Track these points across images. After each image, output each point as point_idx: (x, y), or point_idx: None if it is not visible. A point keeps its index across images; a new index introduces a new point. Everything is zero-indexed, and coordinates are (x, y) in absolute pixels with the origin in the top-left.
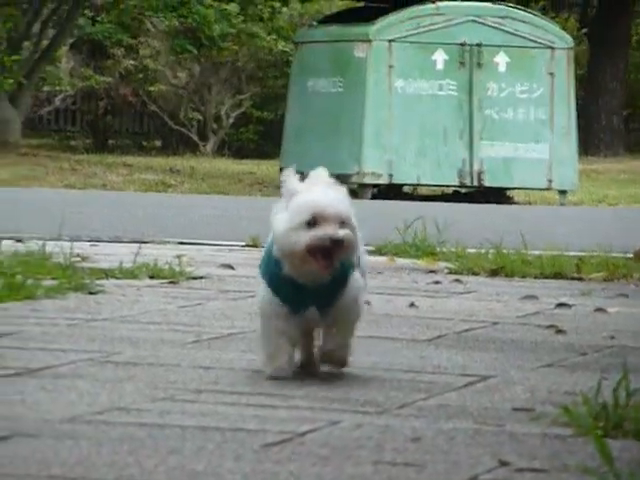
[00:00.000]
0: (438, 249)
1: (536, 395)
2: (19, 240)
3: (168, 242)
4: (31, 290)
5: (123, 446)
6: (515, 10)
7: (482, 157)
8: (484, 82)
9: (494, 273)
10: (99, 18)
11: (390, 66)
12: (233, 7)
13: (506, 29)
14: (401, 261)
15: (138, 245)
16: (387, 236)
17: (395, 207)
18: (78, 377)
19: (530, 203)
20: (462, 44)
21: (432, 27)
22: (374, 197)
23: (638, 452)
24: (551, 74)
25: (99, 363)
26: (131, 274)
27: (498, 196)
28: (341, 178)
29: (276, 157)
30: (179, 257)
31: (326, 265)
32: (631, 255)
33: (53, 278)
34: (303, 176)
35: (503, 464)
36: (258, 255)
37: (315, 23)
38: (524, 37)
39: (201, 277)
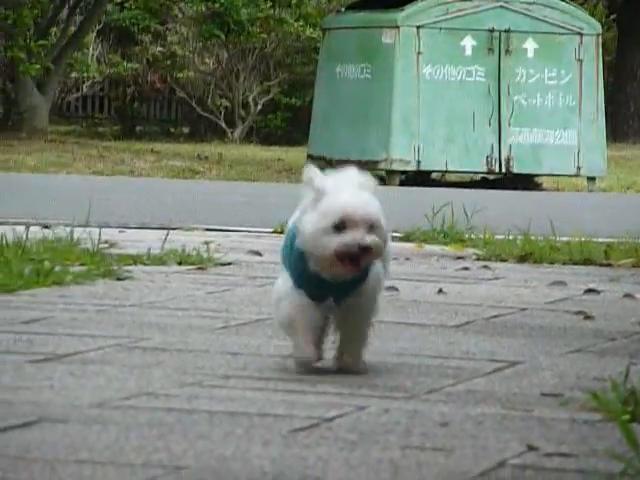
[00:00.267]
0: (466, 235)
1: (564, 380)
2: (47, 226)
3: (196, 228)
4: (59, 276)
5: (151, 431)
6: None
7: (510, 143)
8: (512, 68)
9: (522, 259)
10: (127, 4)
11: (418, 52)
12: None
13: (534, 15)
14: (429, 247)
15: (166, 231)
16: (415, 223)
17: (423, 194)
18: (106, 363)
19: (558, 190)
20: (490, 30)
21: (460, 13)
22: (402, 184)
23: None
24: (579, 60)
25: (127, 349)
26: (159, 260)
27: (526, 183)
28: (369, 165)
29: (304, 144)
30: (207, 243)
31: (353, 269)
32: None
33: (81, 264)
34: (331, 163)
35: (531, 449)
36: None
37: (343, 9)
38: (552, 23)
39: (229, 263)
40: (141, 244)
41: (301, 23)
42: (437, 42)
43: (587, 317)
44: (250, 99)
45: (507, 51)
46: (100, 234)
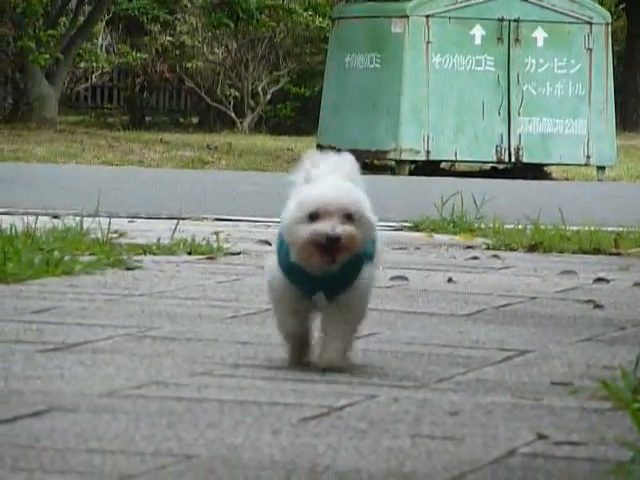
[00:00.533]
0: (476, 225)
1: (574, 369)
2: (56, 216)
3: (205, 218)
4: (69, 266)
5: (162, 420)
6: None
7: (520, 133)
8: (522, 57)
9: (532, 249)
10: None
11: (428, 42)
12: None
13: (544, 4)
14: (439, 237)
15: (176, 221)
16: (425, 212)
17: (433, 183)
18: (116, 352)
19: (568, 179)
20: (500, 19)
21: (470, 2)
22: (411, 173)
23: None
24: (589, 49)
25: (137, 338)
26: (169, 250)
27: (536, 172)
28: (378, 154)
29: (313, 133)
30: (216, 233)
31: (327, 261)
32: None
33: (91, 254)
34: (339, 152)
35: (541, 437)
36: None
37: None
38: (562, 12)
39: (238, 253)
40: (151, 234)
41: (310, 13)
42: (446, 31)
43: (597, 306)
44: (259, 89)
45: (516, 40)
46: (110, 224)
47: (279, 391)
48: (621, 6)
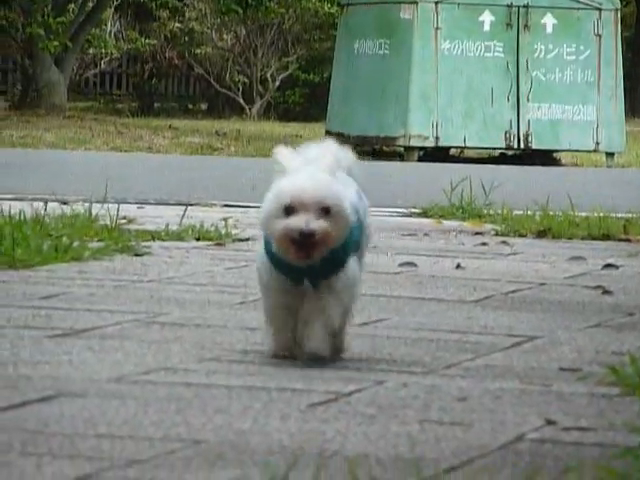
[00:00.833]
0: (485, 211)
1: (583, 355)
2: (65, 202)
3: (214, 204)
4: (78, 252)
5: (170, 405)
6: None
7: (529, 119)
8: (531, 44)
9: (541, 235)
10: None
11: (437, 28)
12: None
13: None
14: (447, 223)
15: (184, 207)
16: (433, 198)
17: (441, 169)
18: (125, 338)
19: (577, 165)
20: (509, 5)
21: None
22: (420, 160)
23: None
24: (598, 36)
25: (145, 324)
26: (177, 236)
27: (545, 158)
28: (387, 141)
29: (322, 120)
30: (225, 219)
31: (302, 256)
32: None
33: (99, 240)
34: (349, 139)
35: (550, 423)
36: None
37: None
38: None
39: (247, 239)
40: (159, 220)
41: None
42: (455, 17)
43: (605, 292)
44: (268, 75)
45: (526, 26)
46: (118, 210)
47: (287, 377)
48: None
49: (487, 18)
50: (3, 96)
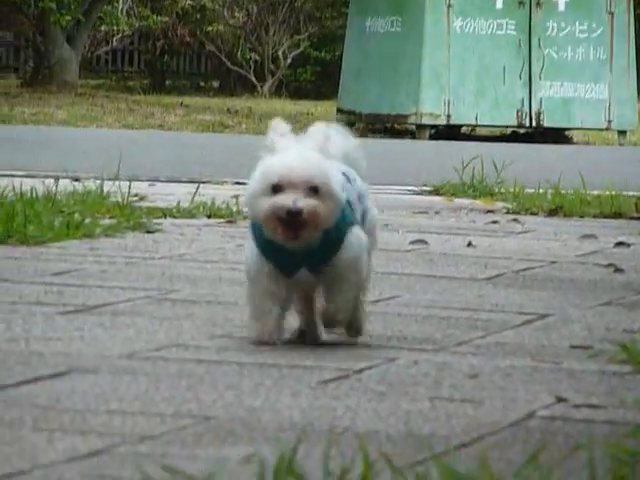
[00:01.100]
0: (496, 189)
1: (594, 333)
2: (77, 179)
3: (225, 182)
4: (89, 229)
5: (181, 382)
6: None
7: (541, 97)
8: (543, 21)
9: (552, 213)
10: None
11: (449, 5)
12: None
13: None
14: (459, 201)
15: (196, 185)
16: (445, 176)
17: (453, 147)
18: (136, 314)
19: (589, 143)
20: None
21: None
22: (432, 138)
23: None
24: (610, 13)
25: (157, 301)
26: (189, 213)
27: (557, 136)
28: (399, 119)
29: (333, 98)
30: (236, 197)
31: (289, 236)
32: None
33: (111, 217)
34: (360, 117)
35: (560, 400)
36: None
37: None
38: None
39: None
40: (171, 197)
41: None
42: None
43: (617, 270)
44: (280, 53)
45: (538, 4)
46: (130, 187)
47: (298, 354)
48: None
49: None
50: (15, 73)
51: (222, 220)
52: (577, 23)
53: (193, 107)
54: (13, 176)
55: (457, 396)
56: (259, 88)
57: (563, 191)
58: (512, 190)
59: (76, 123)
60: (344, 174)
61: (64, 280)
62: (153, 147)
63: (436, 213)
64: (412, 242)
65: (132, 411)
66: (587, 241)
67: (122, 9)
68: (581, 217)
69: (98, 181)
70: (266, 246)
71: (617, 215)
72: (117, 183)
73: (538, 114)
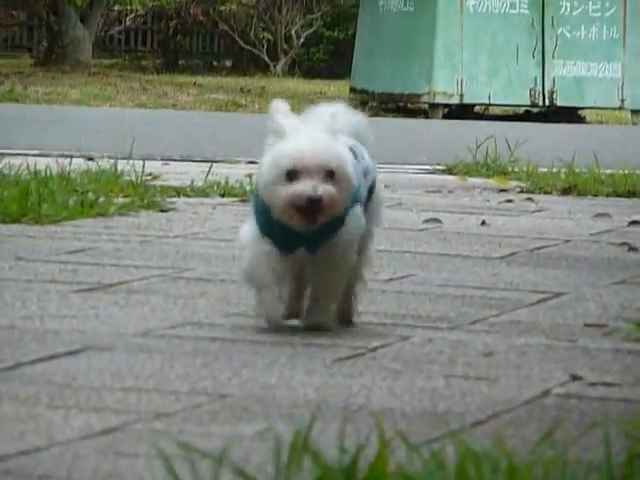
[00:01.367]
0: (510, 168)
1: (608, 311)
2: (91, 158)
3: (239, 161)
4: (103, 207)
5: (196, 360)
6: None
7: (554, 76)
8: (557, 0)
9: (566, 192)
10: None
11: None
12: None
13: None
14: (472, 180)
15: (209, 164)
16: (458, 155)
17: (466, 127)
18: (151, 292)
19: (602, 122)
20: None
21: None
22: (445, 117)
23: None
24: None
25: (171, 279)
26: (202, 192)
27: (570, 115)
28: (412, 98)
29: (347, 77)
30: (250, 176)
31: (308, 222)
32: None
33: (125, 196)
34: (373, 96)
35: (575, 378)
36: None
37: None
38: None
39: None
40: (184, 176)
41: None
42: None
43: (631, 248)
44: (293, 32)
45: None
46: (143, 166)
47: (312, 332)
48: None
49: None
50: (29, 53)
51: (235, 199)
52: (590, 2)
53: (206, 86)
54: (27, 155)
55: (472, 374)
56: (272, 67)
57: (576, 170)
58: (525, 169)
59: (89, 102)
60: (351, 149)
61: (79, 259)
62: (166, 126)
63: (450, 192)
64: (426, 221)
65: (147, 388)
66: (601, 220)
67: None
68: (595, 196)
69: (112, 160)
70: (269, 228)
71: (630, 194)
72: (131, 162)
73: (551, 93)
